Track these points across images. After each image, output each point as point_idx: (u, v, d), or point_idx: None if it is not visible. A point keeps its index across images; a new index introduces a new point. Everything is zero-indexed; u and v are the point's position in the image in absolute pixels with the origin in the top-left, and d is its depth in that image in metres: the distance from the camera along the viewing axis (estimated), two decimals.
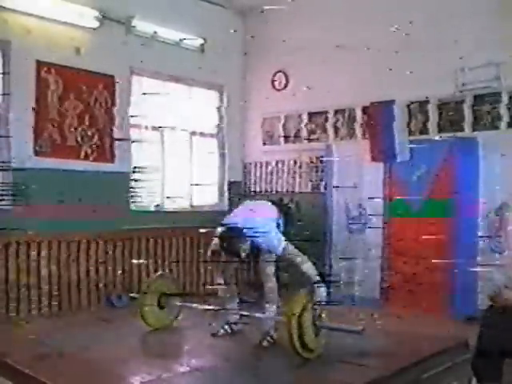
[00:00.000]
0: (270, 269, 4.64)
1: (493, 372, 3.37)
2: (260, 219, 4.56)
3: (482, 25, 5.77)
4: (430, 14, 6.12)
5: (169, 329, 5.09)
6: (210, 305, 4.93)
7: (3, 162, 5.67)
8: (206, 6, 7.51)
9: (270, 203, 5.02)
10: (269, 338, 4.56)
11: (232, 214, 4.78)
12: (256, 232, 4.37)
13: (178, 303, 5.10)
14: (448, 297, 5.94)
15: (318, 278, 4.56)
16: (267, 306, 4.59)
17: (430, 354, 4.28)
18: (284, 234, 4.82)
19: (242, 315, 4.83)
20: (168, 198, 7.28)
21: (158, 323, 5.06)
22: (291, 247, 4.64)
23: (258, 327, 4.64)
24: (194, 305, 5.06)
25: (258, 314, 4.62)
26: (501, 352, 3.33)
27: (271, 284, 4.60)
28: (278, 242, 4.53)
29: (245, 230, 4.36)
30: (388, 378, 3.85)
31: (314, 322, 4.13)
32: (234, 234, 4.40)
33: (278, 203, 6.37)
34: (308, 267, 4.61)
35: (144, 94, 6.79)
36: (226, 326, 4.84)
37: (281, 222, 4.85)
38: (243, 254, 4.43)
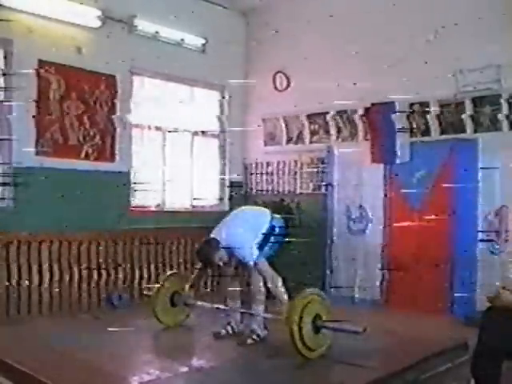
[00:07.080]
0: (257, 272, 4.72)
1: (492, 373, 3.38)
2: (238, 231, 4.67)
3: (482, 27, 5.76)
4: (431, 17, 6.12)
5: (170, 328, 5.10)
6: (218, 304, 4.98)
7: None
8: (208, 6, 7.50)
9: (262, 209, 5.13)
10: (254, 336, 4.63)
11: (220, 225, 4.82)
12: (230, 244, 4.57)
13: (189, 302, 5.10)
14: (447, 298, 5.95)
15: (285, 298, 4.63)
16: (254, 306, 4.68)
17: (430, 356, 4.29)
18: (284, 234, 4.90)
19: (242, 313, 4.86)
20: (169, 198, 7.30)
21: (171, 321, 5.13)
22: (265, 265, 4.69)
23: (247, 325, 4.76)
24: (205, 304, 5.08)
25: (263, 314, 4.67)
26: (500, 353, 3.34)
27: (258, 285, 4.68)
28: (249, 254, 4.58)
29: (222, 242, 4.56)
30: (387, 379, 3.87)
31: (313, 321, 4.14)
32: (207, 246, 4.61)
33: (279, 204, 6.41)
34: (276, 285, 4.69)
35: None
36: (228, 327, 4.86)
37: (277, 223, 4.91)
38: (220, 263, 4.63)
